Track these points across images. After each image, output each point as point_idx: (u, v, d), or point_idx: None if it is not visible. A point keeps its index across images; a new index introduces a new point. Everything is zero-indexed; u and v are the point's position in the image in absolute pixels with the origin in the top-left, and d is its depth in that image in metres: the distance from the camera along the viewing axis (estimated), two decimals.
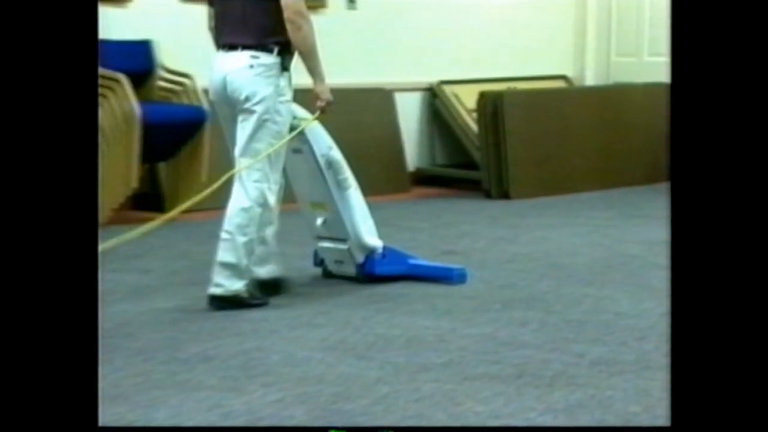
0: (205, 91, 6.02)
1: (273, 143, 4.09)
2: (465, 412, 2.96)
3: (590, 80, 8.26)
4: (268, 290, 4.22)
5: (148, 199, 6.21)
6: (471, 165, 7.35)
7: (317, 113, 4.34)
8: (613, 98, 7.69)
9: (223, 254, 4.05)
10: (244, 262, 4.05)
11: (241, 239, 4.04)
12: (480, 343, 3.62)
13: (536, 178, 7.11)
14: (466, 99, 7.46)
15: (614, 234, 5.68)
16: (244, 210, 4.05)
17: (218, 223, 4.14)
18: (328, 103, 4.29)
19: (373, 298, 4.27)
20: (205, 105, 5.99)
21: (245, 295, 4.07)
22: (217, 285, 4.06)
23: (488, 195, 7.02)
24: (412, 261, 4.63)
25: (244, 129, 4.09)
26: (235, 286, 4.05)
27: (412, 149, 7.53)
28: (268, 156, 4.06)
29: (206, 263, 4.19)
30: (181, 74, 6.19)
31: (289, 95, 4.16)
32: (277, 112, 4.09)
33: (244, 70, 4.08)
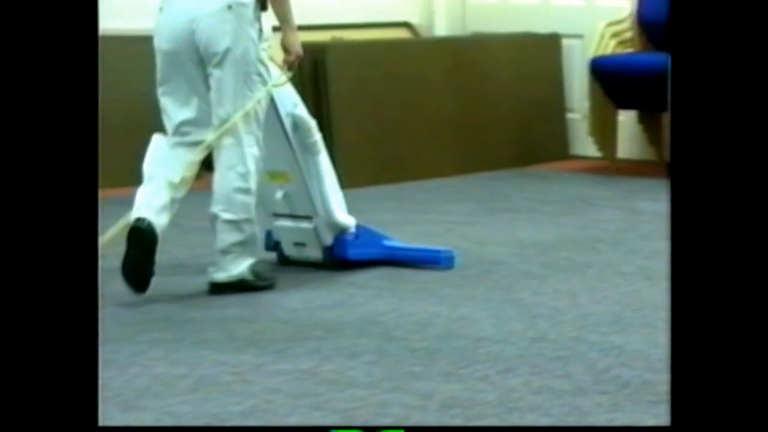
0: None
1: (261, 100, 4.59)
2: None
3: (441, 29, 8.39)
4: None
5: None
6: None
7: (286, 71, 4.66)
8: (470, 53, 7.84)
9: (225, 236, 4.57)
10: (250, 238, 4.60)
11: (244, 215, 4.57)
12: (295, 383, 3.64)
13: (371, 160, 7.18)
14: (277, 53, 7.43)
15: (473, 234, 5.78)
16: (243, 177, 4.55)
17: None
18: (298, 57, 4.66)
19: (148, 326, 4.23)
20: None
21: (251, 277, 4.63)
22: (222, 270, 4.60)
23: None
24: (388, 243, 5.01)
25: (231, 86, 4.49)
26: (240, 268, 4.60)
27: None
28: (256, 116, 4.57)
29: None
30: None
31: (269, 42, 4.54)
32: (261, 61, 4.58)
33: (221, 14, 4.43)
